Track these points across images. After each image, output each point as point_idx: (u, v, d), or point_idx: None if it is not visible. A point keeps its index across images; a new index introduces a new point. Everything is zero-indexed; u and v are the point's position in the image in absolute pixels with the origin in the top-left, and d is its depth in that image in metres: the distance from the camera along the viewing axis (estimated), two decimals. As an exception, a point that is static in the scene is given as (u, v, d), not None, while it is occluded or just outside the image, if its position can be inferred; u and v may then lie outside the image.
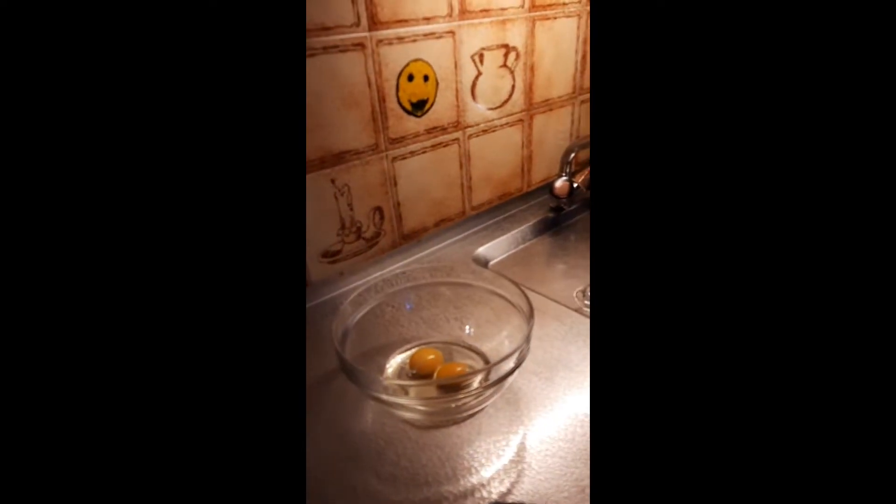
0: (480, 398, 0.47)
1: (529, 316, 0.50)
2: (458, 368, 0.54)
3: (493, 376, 0.46)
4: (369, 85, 0.66)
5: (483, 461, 0.46)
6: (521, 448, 0.47)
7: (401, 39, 0.67)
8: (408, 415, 0.49)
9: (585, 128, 1.02)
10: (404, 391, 0.49)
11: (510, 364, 0.46)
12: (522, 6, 0.79)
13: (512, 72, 0.83)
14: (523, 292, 0.52)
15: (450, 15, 0.70)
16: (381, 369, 0.56)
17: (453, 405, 0.47)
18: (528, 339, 0.47)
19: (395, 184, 0.74)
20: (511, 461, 0.46)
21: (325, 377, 0.57)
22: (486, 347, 0.58)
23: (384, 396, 0.45)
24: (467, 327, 0.60)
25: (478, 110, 0.80)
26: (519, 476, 0.44)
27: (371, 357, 0.57)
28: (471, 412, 0.49)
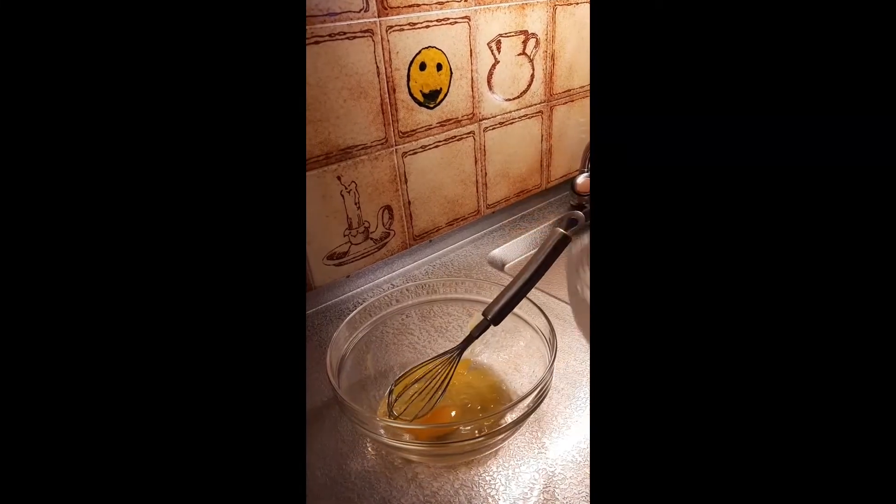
0: (495, 440, 0.42)
1: (552, 344, 0.45)
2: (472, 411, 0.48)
3: (510, 417, 0.41)
4: (378, 74, 0.62)
5: (501, 489, 0.41)
6: (542, 473, 0.42)
7: (412, 25, 0.62)
8: (413, 457, 0.44)
9: (608, 121, 0.97)
10: (405, 433, 0.43)
11: (528, 404, 0.41)
12: (543, -11, 0.74)
13: (531, 60, 0.78)
14: (544, 313, 0.47)
15: (465, -1, 0.66)
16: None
17: (463, 450, 0.42)
18: (550, 370, 0.42)
19: (406, 181, 0.70)
20: (531, 488, 0.41)
21: (323, 401, 0.52)
22: (501, 359, 0.53)
23: (384, 440, 0.40)
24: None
25: (494, 101, 0.75)
26: (542, 501, 0.40)
27: (377, 379, 0.52)
28: (484, 454, 0.44)
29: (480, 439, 0.40)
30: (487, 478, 0.42)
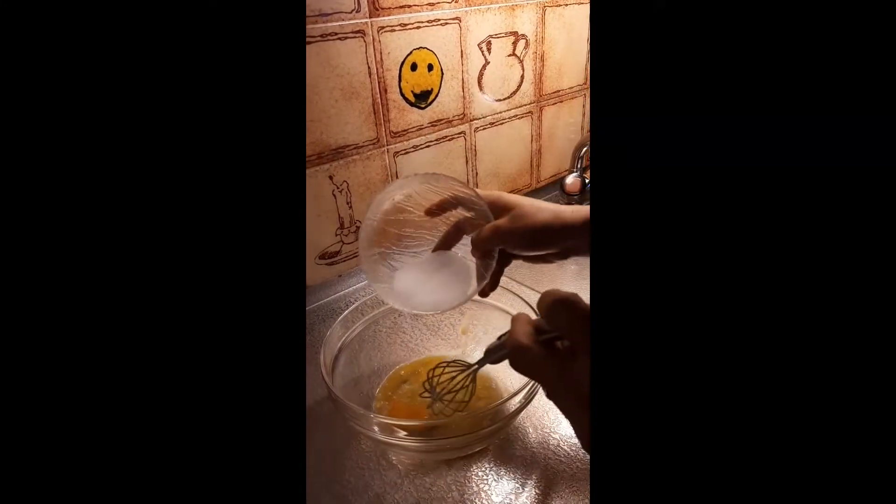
0: (487, 436, 0.43)
1: None
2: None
3: (502, 413, 0.42)
4: (370, 75, 0.62)
5: (493, 484, 0.42)
6: (534, 468, 0.43)
7: (404, 26, 0.62)
8: (407, 454, 0.45)
9: (597, 121, 0.98)
10: (398, 430, 0.43)
11: (520, 400, 0.42)
12: (533, -9, 0.74)
13: (521, 61, 0.78)
14: (536, 311, 0.48)
15: (456, 0, 0.66)
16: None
17: (456, 446, 0.43)
18: None
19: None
20: (523, 483, 0.42)
21: (316, 399, 0.52)
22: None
23: (378, 437, 0.41)
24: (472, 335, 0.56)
25: (485, 102, 0.76)
26: (534, 496, 0.40)
27: (370, 377, 0.52)
28: (476, 449, 0.45)
29: (473, 435, 0.41)
30: (480, 473, 0.43)
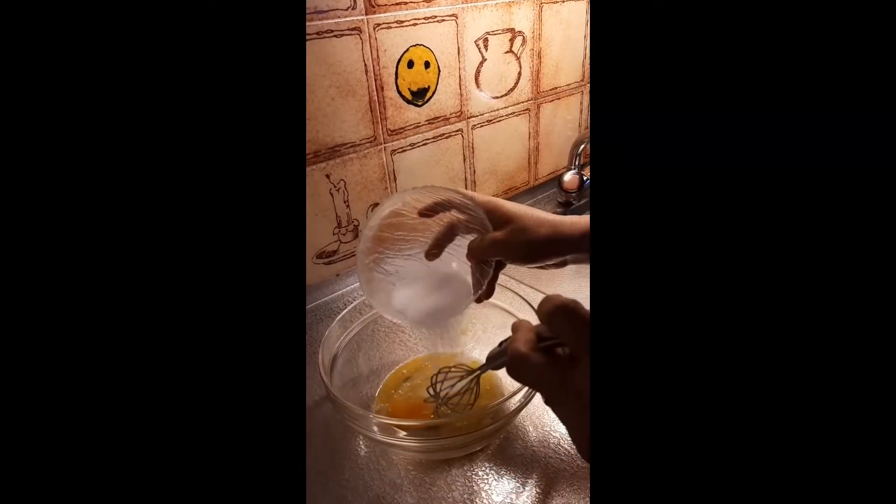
0: (488, 435, 0.43)
1: None
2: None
3: (503, 412, 0.41)
4: (366, 72, 0.61)
5: (494, 483, 0.42)
6: (535, 467, 0.43)
7: (400, 23, 0.62)
8: (406, 454, 0.45)
9: (594, 117, 0.98)
10: (397, 430, 0.42)
11: (520, 399, 0.41)
12: (529, -13, 0.74)
13: (518, 58, 0.78)
14: (534, 310, 0.48)
15: (452, -4, 0.66)
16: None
17: (457, 445, 0.42)
18: None
19: (395, 178, 0.70)
20: (523, 482, 0.42)
21: (314, 399, 0.52)
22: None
23: (377, 437, 0.41)
24: (471, 335, 0.56)
25: (482, 99, 0.76)
26: (535, 494, 0.40)
27: (369, 377, 0.52)
28: (477, 449, 0.45)
29: (474, 434, 0.41)
30: (481, 472, 0.43)
